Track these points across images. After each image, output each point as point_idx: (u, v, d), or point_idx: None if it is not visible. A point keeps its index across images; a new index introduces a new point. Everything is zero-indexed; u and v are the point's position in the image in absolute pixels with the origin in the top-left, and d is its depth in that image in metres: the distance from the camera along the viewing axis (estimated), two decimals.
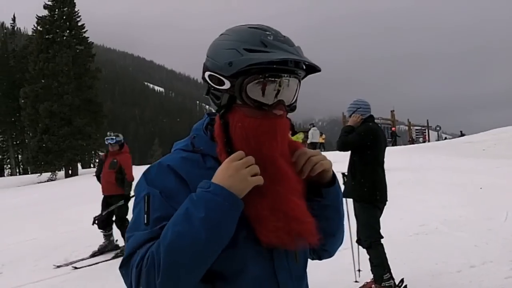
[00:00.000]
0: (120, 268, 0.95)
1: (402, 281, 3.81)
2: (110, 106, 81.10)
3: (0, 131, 40.98)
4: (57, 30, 29.37)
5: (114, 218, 6.19)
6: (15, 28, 49.30)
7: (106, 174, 6.14)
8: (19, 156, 43.20)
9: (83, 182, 19.55)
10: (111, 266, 5.33)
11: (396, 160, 10.60)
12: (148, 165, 1.09)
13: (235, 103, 1.01)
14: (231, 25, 1.09)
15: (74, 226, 8.05)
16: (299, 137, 13.48)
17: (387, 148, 4.04)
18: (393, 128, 28.85)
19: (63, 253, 6.33)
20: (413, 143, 28.99)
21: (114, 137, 6.22)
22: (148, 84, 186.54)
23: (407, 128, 35.24)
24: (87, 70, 29.86)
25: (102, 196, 6.30)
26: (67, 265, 5.60)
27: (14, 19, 47.42)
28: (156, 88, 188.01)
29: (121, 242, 6.18)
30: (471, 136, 20.87)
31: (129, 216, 6.13)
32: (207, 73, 1.04)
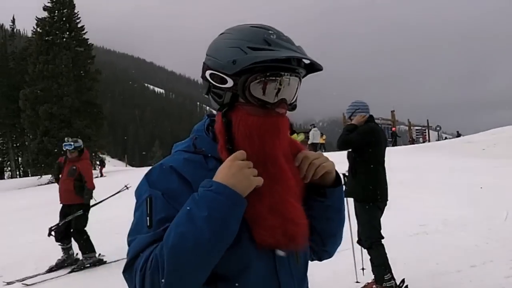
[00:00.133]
0: (124, 272, 0.94)
1: (403, 281, 3.81)
2: (110, 108, 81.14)
3: (0, 133, 40.98)
4: (57, 32, 29.41)
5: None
6: (15, 30, 49.34)
7: (64, 182, 5.76)
8: (19, 159, 43.20)
9: None
10: (67, 284, 5.11)
11: (396, 160, 10.59)
12: (149, 167, 1.09)
13: (237, 102, 1.01)
14: (232, 26, 1.09)
15: None
16: (299, 137, 13.47)
17: (387, 149, 4.06)
18: (393, 128, 28.89)
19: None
20: (413, 143, 29.01)
21: (72, 143, 5.82)
22: (148, 85, 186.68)
23: (407, 128, 35.26)
24: (87, 72, 29.91)
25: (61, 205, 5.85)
26: (19, 281, 5.19)
27: (13, 21, 47.45)
28: (157, 89, 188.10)
29: (94, 253, 5.77)
30: (471, 136, 20.88)
31: (89, 227, 5.64)
32: (208, 72, 1.04)
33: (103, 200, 6.36)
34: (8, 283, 5.18)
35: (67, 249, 5.79)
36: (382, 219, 3.79)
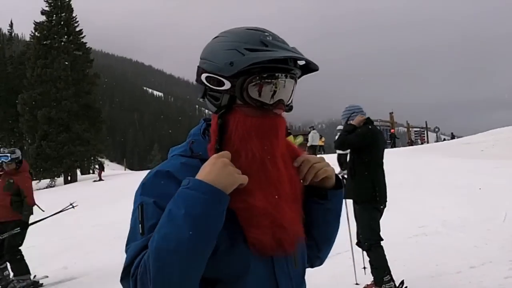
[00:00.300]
0: (121, 281, 0.93)
1: (402, 283, 3.82)
2: (109, 112, 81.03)
3: None
4: (55, 36, 29.42)
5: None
6: (13, 34, 49.48)
7: (0, 197, 5.15)
8: None
9: (83, 188, 19.52)
10: None
11: (395, 162, 10.61)
12: (148, 170, 1.09)
13: (235, 104, 1.01)
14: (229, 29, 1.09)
15: (73, 232, 8.05)
16: (298, 140, 13.47)
17: (386, 150, 4.09)
18: (392, 130, 28.94)
19: (62, 260, 6.32)
20: (412, 145, 29.06)
21: (8, 154, 5.25)
22: (147, 89, 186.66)
23: (406, 130, 35.33)
24: (85, 76, 29.89)
25: None
26: None
27: (11, 25, 47.52)
28: (155, 93, 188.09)
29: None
30: (470, 137, 20.94)
31: (24, 246, 5.21)
32: (204, 75, 1.04)
33: (44, 218, 5.87)
34: None
35: (1, 270, 5.18)
36: (381, 221, 3.80)
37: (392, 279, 3.65)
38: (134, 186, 1.01)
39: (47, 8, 29.90)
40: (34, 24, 29.92)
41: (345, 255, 4.24)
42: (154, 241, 0.87)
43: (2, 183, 5.26)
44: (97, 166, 28.91)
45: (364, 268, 4.00)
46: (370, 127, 3.92)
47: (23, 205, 5.19)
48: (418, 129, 34.55)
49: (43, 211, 5.64)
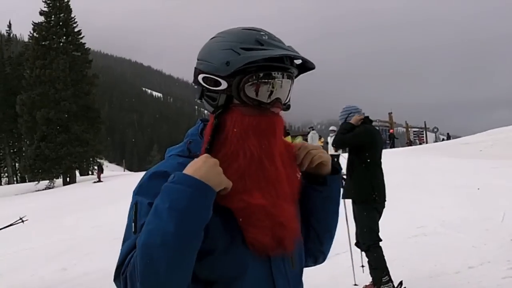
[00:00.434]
0: (114, 280, 0.93)
1: (401, 283, 3.82)
2: (108, 113, 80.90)
3: None
4: (54, 36, 29.42)
5: None
6: (11, 34, 49.45)
7: None
8: (17, 164, 43.06)
9: (82, 189, 19.51)
10: None
11: (394, 162, 10.63)
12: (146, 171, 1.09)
13: (232, 103, 1.01)
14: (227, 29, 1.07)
15: (72, 234, 8.05)
16: (297, 140, 13.49)
17: (385, 150, 4.10)
18: (391, 130, 28.99)
19: (61, 261, 6.31)
20: (411, 145, 29.10)
21: None
22: (146, 89, 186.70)
23: (405, 130, 35.38)
24: (84, 77, 29.89)
25: None
26: None
27: (9, 26, 47.50)
28: (154, 93, 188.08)
29: None
30: (468, 137, 20.99)
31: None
32: (201, 76, 1.04)
33: None
34: None
35: None
36: (380, 221, 3.80)
37: (390, 280, 3.65)
38: (133, 187, 1.01)
39: (45, 9, 29.91)
40: (32, 24, 29.91)
41: (344, 255, 4.24)
42: (142, 237, 0.87)
43: None
44: (96, 168, 28.88)
45: (362, 266, 4.00)
46: (367, 126, 3.91)
47: None
48: (417, 129, 34.62)
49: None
